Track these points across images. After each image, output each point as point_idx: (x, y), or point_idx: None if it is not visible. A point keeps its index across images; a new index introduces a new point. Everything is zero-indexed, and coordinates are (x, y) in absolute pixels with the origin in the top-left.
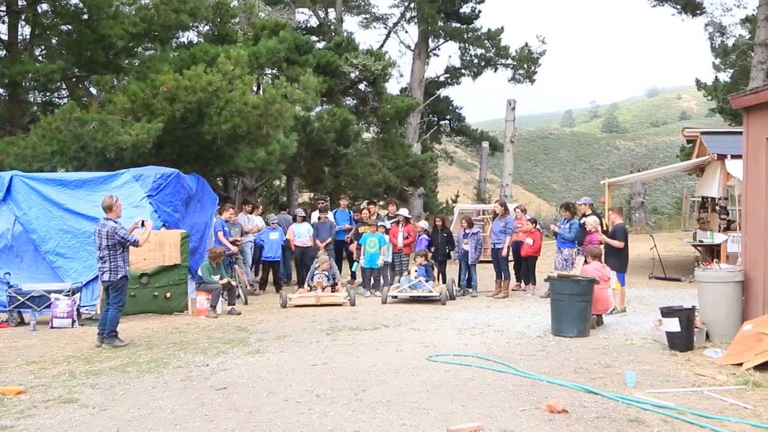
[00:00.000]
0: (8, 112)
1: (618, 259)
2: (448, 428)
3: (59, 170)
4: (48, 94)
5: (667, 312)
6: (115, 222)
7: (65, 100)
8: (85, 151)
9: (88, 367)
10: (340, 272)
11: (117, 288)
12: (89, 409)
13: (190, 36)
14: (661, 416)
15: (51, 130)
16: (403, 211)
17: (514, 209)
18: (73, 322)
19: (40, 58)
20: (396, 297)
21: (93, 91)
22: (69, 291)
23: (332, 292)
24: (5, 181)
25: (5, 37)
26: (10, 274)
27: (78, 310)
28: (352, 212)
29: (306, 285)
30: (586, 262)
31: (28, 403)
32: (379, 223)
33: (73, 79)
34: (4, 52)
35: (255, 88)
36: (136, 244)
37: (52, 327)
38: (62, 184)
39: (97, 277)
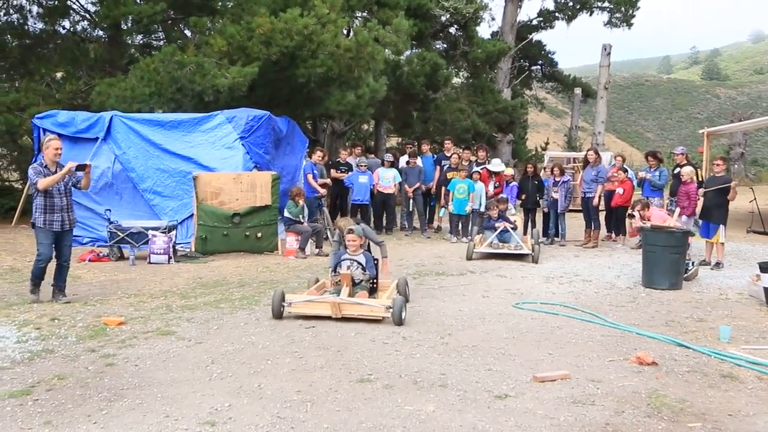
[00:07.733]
0: (108, 54)
1: (725, 211)
2: (534, 375)
3: (156, 111)
4: (146, 36)
5: (766, 267)
6: (39, 163)
7: (162, 42)
8: (182, 93)
9: (184, 302)
10: (431, 219)
11: (35, 236)
12: (186, 342)
13: None
14: (755, 373)
15: (149, 72)
16: (496, 162)
17: (614, 157)
18: (170, 258)
19: (137, 1)
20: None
21: (188, 33)
22: (165, 228)
23: (370, 296)
24: (105, 121)
25: None
26: (110, 210)
27: (174, 247)
28: (436, 156)
29: (330, 277)
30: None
31: (129, 334)
32: (473, 170)
33: (169, 21)
34: None
35: (345, 31)
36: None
37: (149, 262)
38: (159, 124)
39: (192, 214)
